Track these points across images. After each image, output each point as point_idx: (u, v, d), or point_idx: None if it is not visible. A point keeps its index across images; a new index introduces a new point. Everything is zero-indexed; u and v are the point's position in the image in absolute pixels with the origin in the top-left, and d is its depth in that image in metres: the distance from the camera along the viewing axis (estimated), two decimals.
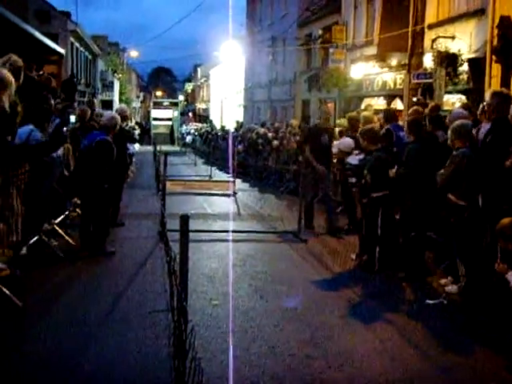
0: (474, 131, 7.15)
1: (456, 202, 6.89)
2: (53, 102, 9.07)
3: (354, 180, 8.96)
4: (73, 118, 9.15)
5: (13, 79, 5.75)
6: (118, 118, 9.40)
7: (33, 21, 25.18)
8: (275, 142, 19.23)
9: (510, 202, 6.27)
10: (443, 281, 7.45)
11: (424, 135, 8.11)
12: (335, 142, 10.94)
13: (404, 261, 7.92)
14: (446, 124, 8.28)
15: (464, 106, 9.85)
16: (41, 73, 13.01)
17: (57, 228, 8.89)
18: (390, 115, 10.02)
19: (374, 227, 8.14)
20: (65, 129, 8.40)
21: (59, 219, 9.17)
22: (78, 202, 9.66)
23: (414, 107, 10.69)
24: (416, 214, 7.81)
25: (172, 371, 4.39)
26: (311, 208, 11.17)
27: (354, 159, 9.38)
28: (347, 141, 10.28)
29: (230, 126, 33.72)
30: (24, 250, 7.49)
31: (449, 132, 7.25)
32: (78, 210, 9.96)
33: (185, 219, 3.79)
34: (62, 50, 20.91)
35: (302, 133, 13.17)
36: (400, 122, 10.53)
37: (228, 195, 15.41)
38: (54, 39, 23.17)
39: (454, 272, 7.24)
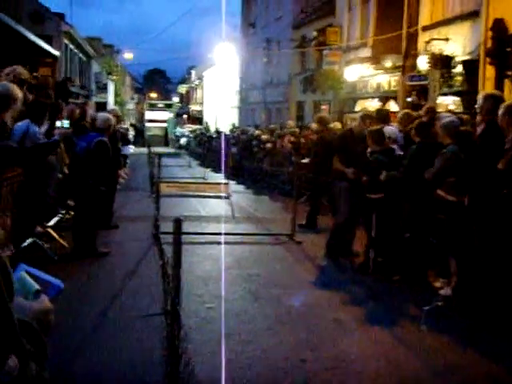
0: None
1: (445, 198, 6.93)
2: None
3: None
4: (66, 123, 9.10)
5: (21, 95, 5.64)
6: (113, 118, 9.38)
7: (26, 22, 25.09)
8: (268, 145, 19.22)
9: (498, 203, 6.27)
10: (437, 284, 7.43)
11: (428, 138, 8.00)
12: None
13: (400, 263, 7.91)
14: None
15: (451, 111, 9.81)
16: (35, 74, 12.97)
17: (50, 231, 8.84)
18: (383, 116, 9.54)
19: (368, 228, 8.15)
20: (57, 132, 8.36)
21: (52, 222, 9.13)
22: (72, 204, 9.62)
23: (405, 111, 10.63)
24: (414, 217, 7.78)
25: (165, 376, 4.35)
26: (343, 232, 8.98)
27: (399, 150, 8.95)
28: (391, 128, 9.12)
29: (225, 128, 33.69)
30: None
31: (438, 129, 7.33)
32: (71, 212, 9.91)
33: (178, 223, 3.76)
34: (56, 52, 20.87)
35: (335, 141, 9.86)
36: (394, 124, 10.27)
37: (222, 197, 15.36)
38: (48, 41, 23.10)
39: (447, 274, 7.24)
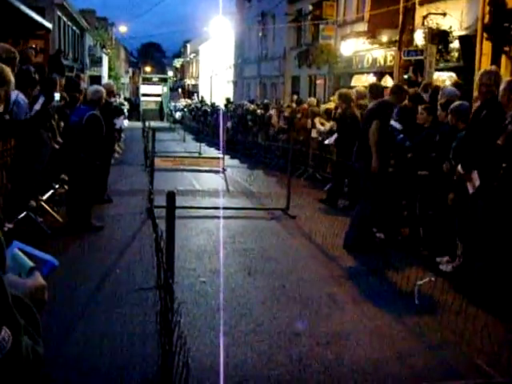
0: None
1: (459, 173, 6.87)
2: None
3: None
4: (57, 96, 9.01)
5: (12, 77, 5.50)
6: (103, 90, 9.25)
7: None
8: (270, 113, 18.99)
9: (500, 179, 6.25)
10: (439, 259, 7.43)
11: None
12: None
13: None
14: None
15: (455, 84, 9.80)
16: (33, 46, 12.85)
17: (44, 204, 8.82)
18: (377, 90, 8.94)
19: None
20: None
21: (46, 196, 9.10)
22: (66, 178, 9.59)
23: (398, 84, 10.56)
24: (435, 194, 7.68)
25: (159, 349, 4.36)
26: (370, 222, 8.35)
27: (397, 124, 8.90)
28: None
29: (220, 103, 33.56)
30: (11, 225, 7.42)
31: (449, 115, 7.30)
32: (65, 186, 9.88)
33: (171, 196, 3.73)
34: (49, 25, 20.56)
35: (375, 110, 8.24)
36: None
37: (217, 172, 15.35)
38: (41, 13, 22.78)
39: (452, 251, 7.23)
